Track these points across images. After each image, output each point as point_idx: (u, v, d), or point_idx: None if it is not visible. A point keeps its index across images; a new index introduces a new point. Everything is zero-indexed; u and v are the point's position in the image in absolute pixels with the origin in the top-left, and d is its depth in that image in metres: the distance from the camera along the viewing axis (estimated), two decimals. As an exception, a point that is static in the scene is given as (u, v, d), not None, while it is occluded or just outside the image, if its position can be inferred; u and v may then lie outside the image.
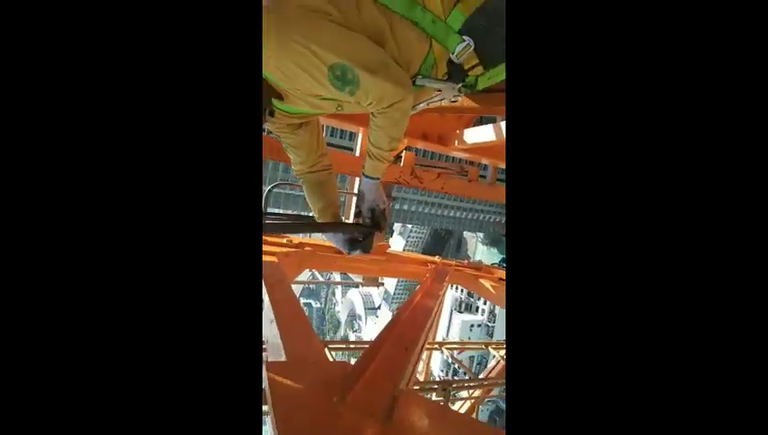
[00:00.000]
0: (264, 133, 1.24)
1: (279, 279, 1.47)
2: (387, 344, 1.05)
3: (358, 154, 3.22)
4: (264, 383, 0.79)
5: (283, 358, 0.91)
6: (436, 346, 2.83)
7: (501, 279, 2.74)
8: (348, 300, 47.11)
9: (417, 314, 1.40)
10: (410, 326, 1.25)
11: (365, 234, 1.31)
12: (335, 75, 0.93)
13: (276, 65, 0.95)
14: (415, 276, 2.57)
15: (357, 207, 1.34)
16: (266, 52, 0.92)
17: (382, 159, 1.18)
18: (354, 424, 0.70)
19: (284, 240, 2.25)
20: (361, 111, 1.11)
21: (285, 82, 1.00)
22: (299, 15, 0.89)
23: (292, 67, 0.93)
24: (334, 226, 1.41)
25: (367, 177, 1.25)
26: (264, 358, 1.23)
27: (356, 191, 3.23)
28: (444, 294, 1.95)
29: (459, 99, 1.31)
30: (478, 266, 3.05)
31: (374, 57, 0.97)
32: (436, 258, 2.61)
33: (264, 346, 1.20)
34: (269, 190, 2.73)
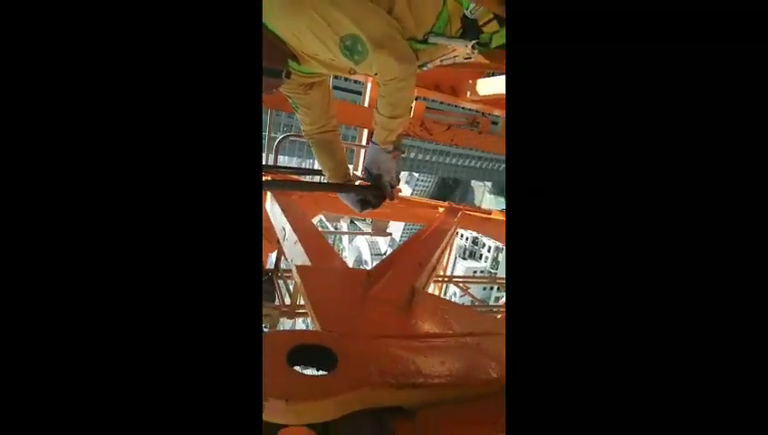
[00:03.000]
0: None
1: (299, 215, 1.53)
2: (402, 257, 1.14)
3: (366, 105, 3.22)
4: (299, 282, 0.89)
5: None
6: (446, 279, 2.97)
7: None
8: (354, 247, 47.60)
9: (430, 239, 1.48)
10: (424, 248, 1.34)
11: (376, 196, 1.30)
12: (345, 46, 0.97)
13: (291, 31, 0.99)
14: (425, 221, 2.65)
15: (365, 169, 1.32)
16: (281, 14, 0.95)
17: (386, 128, 1.18)
18: (379, 309, 0.80)
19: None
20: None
21: (299, 46, 1.04)
22: None
23: (306, 33, 0.97)
24: (346, 187, 1.43)
25: (373, 143, 1.24)
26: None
27: (364, 143, 3.25)
28: (456, 227, 2.01)
29: (473, 58, 1.28)
30: (487, 211, 3.12)
31: (383, 30, 0.99)
32: (446, 203, 2.68)
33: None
34: (279, 141, 2.74)
